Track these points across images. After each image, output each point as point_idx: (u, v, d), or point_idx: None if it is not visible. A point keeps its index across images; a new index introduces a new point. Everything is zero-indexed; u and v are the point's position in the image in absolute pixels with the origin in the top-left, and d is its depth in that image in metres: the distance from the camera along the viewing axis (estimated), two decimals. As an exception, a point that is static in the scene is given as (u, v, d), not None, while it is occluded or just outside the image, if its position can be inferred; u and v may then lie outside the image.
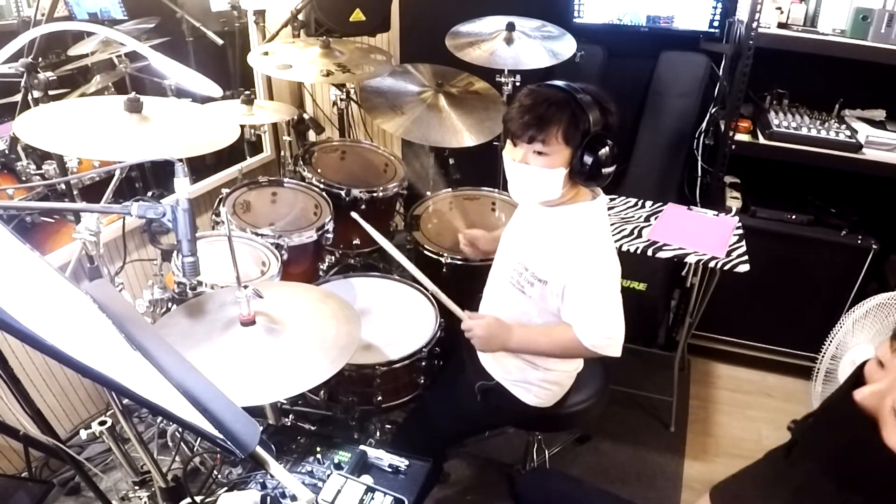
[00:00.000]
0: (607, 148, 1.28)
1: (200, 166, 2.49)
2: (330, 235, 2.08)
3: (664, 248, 2.01)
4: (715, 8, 2.50)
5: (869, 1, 2.08)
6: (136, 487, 1.17)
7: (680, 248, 2.00)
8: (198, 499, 1.14)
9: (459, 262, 1.99)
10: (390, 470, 1.36)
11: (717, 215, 2.26)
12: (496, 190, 2.36)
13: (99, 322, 0.78)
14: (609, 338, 1.36)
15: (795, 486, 0.87)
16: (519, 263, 1.45)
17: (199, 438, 1.82)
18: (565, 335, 1.39)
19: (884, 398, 0.70)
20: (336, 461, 1.39)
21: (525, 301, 1.45)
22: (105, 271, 1.37)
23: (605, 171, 1.30)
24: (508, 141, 1.36)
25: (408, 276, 1.91)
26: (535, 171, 1.31)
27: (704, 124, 2.65)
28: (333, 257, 2.32)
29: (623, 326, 1.37)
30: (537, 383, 1.53)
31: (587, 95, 1.28)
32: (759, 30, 2.17)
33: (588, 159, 1.28)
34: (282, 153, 2.67)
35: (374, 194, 2.24)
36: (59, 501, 1.87)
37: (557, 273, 1.36)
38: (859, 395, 0.73)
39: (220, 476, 1.77)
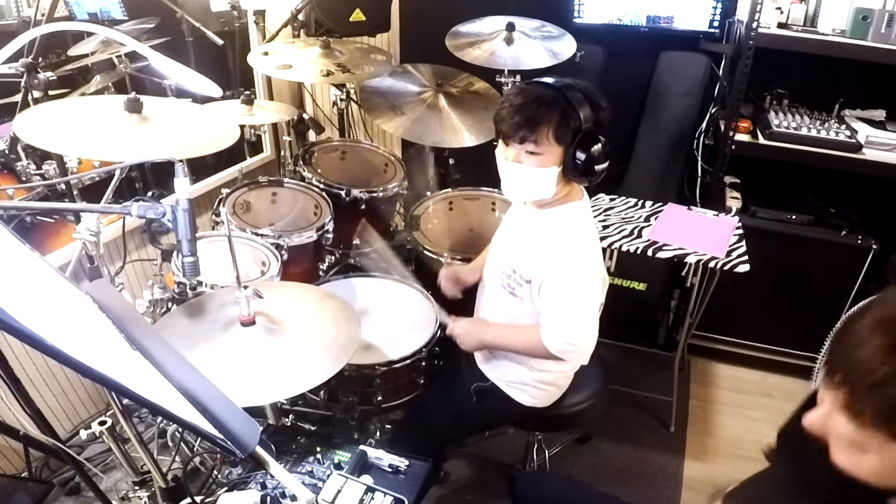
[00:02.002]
0: (600, 144, 1.28)
1: (200, 166, 2.49)
2: (330, 235, 2.08)
3: (664, 248, 2.01)
4: (715, 8, 2.50)
5: (869, 1, 2.08)
6: (136, 487, 1.17)
7: (680, 248, 2.00)
8: (198, 499, 1.14)
9: (459, 262, 1.99)
10: (390, 470, 1.36)
11: (717, 215, 2.26)
12: (496, 190, 2.36)
13: (99, 322, 0.78)
14: (571, 344, 1.33)
15: (791, 493, 0.88)
16: (508, 266, 1.45)
17: (199, 438, 1.82)
18: (533, 335, 1.38)
19: (827, 421, 0.72)
20: (336, 461, 1.39)
21: (516, 303, 1.45)
22: (105, 271, 1.37)
23: (599, 167, 1.30)
24: (501, 140, 1.35)
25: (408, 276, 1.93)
26: (528, 170, 1.31)
27: (704, 124, 2.65)
28: (333, 257, 2.32)
29: (593, 336, 1.33)
30: (532, 384, 1.53)
31: (577, 92, 1.27)
32: (759, 30, 2.17)
33: (580, 156, 1.27)
34: (282, 153, 2.67)
35: (374, 194, 2.24)
36: (59, 501, 1.87)
37: (538, 271, 1.36)
38: (807, 420, 0.75)
39: (220, 476, 1.78)
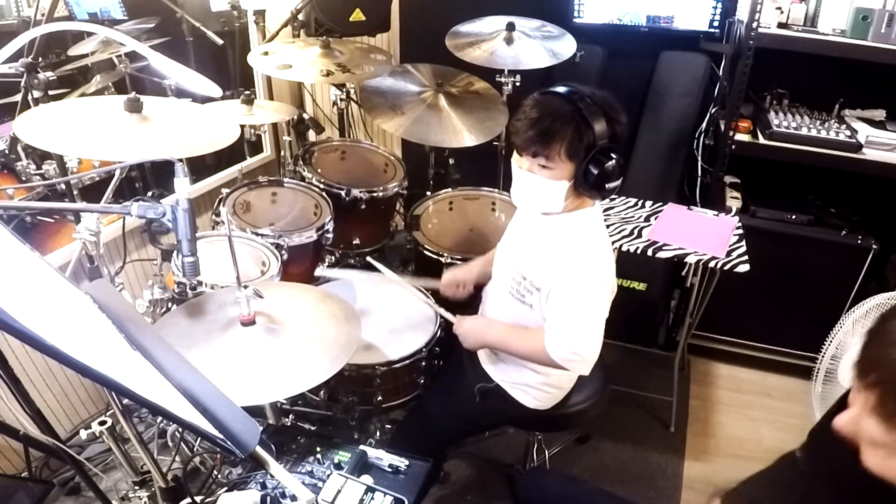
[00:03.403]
0: (613, 161, 1.26)
1: (200, 166, 2.49)
2: (330, 235, 2.08)
3: (664, 248, 2.01)
4: (715, 8, 2.50)
5: (869, 1, 2.08)
6: (136, 487, 1.17)
7: (680, 248, 2.00)
8: (198, 499, 1.14)
9: (459, 262, 1.99)
10: (390, 470, 1.36)
11: (717, 215, 2.26)
12: (496, 190, 2.36)
13: (99, 322, 0.78)
14: (575, 353, 1.32)
15: (800, 494, 0.88)
16: (517, 273, 1.44)
17: (199, 438, 1.82)
18: (536, 341, 1.37)
19: (858, 423, 0.71)
20: (336, 461, 1.39)
21: (526, 310, 1.44)
22: (105, 271, 1.37)
23: (610, 185, 1.28)
24: (515, 150, 1.36)
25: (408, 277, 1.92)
26: (539, 180, 1.31)
27: (704, 124, 2.65)
28: (333, 257, 2.32)
29: (597, 346, 1.33)
30: (536, 386, 1.53)
31: (595, 105, 1.25)
32: (759, 30, 2.17)
33: (592, 173, 1.26)
34: (282, 153, 2.67)
35: (374, 194, 2.24)
36: (59, 501, 1.87)
37: (548, 278, 1.36)
38: (838, 422, 0.74)
39: (220, 476, 1.77)
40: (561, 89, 1.30)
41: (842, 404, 0.76)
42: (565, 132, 1.25)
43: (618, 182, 1.30)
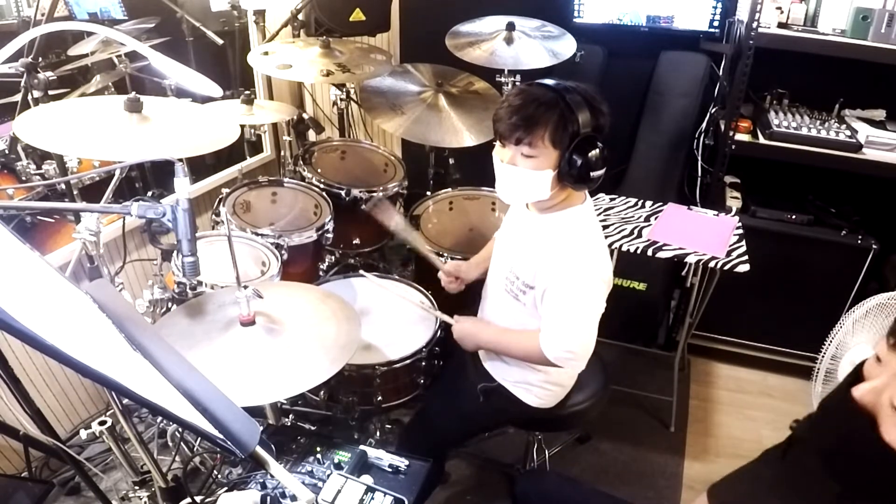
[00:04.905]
0: (597, 150, 1.26)
1: (200, 166, 2.49)
2: (330, 235, 2.08)
3: (664, 248, 2.01)
4: (715, 8, 2.50)
5: (869, 1, 2.08)
6: (136, 487, 1.17)
7: (680, 248, 2.00)
8: (198, 499, 1.14)
9: (460, 262, 1.99)
10: (390, 470, 1.36)
11: (717, 215, 2.26)
12: (496, 190, 2.36)
13: (99, 322, 0.78)
14: (570, 352, 1.33)
15: (796, 487, 0.87)
16: (511, 272, 1.44)
17: (199, 438, 1.82)
18: (530, 341, 1.37)
19: (881, 394, 0.70)
20: (336, 461, 1.39)
21: (520, 308, 1.44)
22: (105, 271, 1.37)
23: (594, 174, 1.28)
24: (497, 141, 1.34)
25: (408, 277, 1.92)
26: (522, 172, 1.29)
27: (704, 124, 2.65)
28: (333, 257, 2.32)
29: (591, 343, 1.34)
30: (539, 384, 1.53)
31: (578, 95, 1.25)
32: (759, 30, 2.17)
33: (576, 162, 1.25)
34: (282, 153, 2.67)
35: (374, 194, 2.24)
36: (59, 501, 1.87)
37: (541, 278, 1.36)
38: (858, 391, 0.73)
39: (220, 476, 1.78)
40: (544, 80, 1.30)
41: (856, 377, 0.75)
42: (549, 118, 1.24)
43: (601, 172, 1.29)
